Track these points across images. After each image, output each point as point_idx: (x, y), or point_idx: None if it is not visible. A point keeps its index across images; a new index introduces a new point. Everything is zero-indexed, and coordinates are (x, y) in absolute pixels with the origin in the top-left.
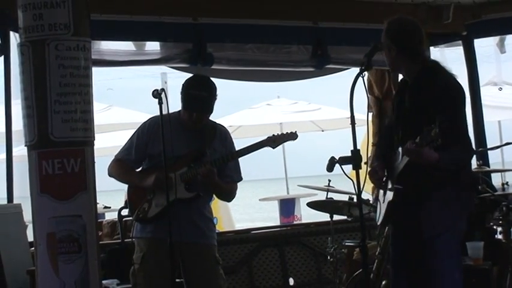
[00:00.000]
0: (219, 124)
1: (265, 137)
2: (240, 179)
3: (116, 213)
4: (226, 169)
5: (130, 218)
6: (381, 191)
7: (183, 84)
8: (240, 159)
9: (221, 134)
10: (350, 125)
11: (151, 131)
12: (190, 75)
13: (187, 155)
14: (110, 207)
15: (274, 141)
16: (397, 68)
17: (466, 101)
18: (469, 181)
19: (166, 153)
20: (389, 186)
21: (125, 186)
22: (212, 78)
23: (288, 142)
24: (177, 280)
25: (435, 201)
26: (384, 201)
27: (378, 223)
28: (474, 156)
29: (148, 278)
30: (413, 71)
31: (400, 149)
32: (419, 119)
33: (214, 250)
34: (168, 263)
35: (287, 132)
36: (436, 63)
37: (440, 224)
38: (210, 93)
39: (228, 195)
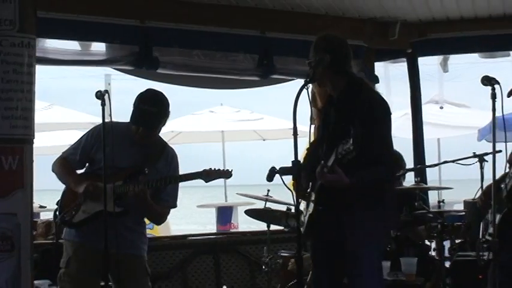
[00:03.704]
0: (169, 146)
1: (201, 169)
2: (175, 205)
3: (51, 213)
4: (162, 192)
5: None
6: (305, 203)
7: (136, 97)
8: (181, 163)
9: (168, 156)
10: (292, 136)
11: (100, 135)
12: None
13: (127, 169)
14: (45, 207)
15: (208, 175)
16: (324, 83)
17: (392, 117)
18: (392, 198)
19: (108, 163)
20: (313, 198)
21: (62, 186)
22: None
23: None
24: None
25: (359, 215)
26: (306, 213)
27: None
28: (412, 173)
29: (74, 282)
30: (339, 86)
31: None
32: (344, 133)
33: (143, 261)
34: (93, 269)
35: (222, 170)
36: (361, 79)
37: (365, 237)
38: (160, 110)
39: (158, 218)
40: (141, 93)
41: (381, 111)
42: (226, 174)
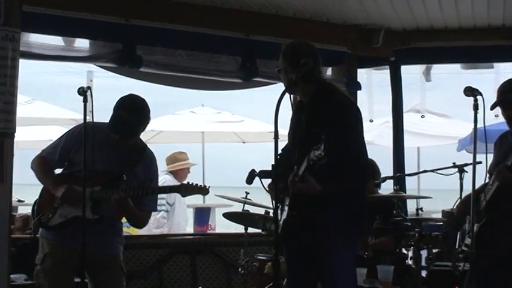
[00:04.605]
0: (149, 149)
1: (180, 183)
2: (156, 209)
3: (30, 207)
4: (143, 197)
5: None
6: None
7: (116, 102)
8: (161, 163)
9: (147, 160)
10: (273, 139)
11: (80, 136)
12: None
13: (105, 174)
14: (23, 201)
15: (186, 190)
16: (294, 90)
17: (362, 120)
18: (364, 203)
19: (87, 165)
20: (287, 202)
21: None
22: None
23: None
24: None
25: (333, 218)
26: (281, 218)
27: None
28: (391, 181)
29: (49, 278)
30: (309, 92)
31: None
32: (315, 139)
33: (119, 260)
34: (69, 266)
35: (200, 186)
36: (330, 85)
37: (338, 240)
38: (139, 118)
39: (140, 222)
40: (122, 98)
41: (351, 116)
42: (204, 190)
